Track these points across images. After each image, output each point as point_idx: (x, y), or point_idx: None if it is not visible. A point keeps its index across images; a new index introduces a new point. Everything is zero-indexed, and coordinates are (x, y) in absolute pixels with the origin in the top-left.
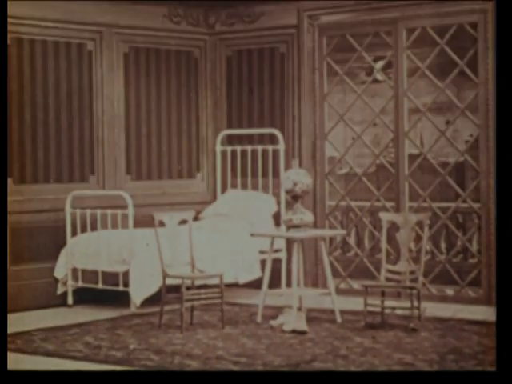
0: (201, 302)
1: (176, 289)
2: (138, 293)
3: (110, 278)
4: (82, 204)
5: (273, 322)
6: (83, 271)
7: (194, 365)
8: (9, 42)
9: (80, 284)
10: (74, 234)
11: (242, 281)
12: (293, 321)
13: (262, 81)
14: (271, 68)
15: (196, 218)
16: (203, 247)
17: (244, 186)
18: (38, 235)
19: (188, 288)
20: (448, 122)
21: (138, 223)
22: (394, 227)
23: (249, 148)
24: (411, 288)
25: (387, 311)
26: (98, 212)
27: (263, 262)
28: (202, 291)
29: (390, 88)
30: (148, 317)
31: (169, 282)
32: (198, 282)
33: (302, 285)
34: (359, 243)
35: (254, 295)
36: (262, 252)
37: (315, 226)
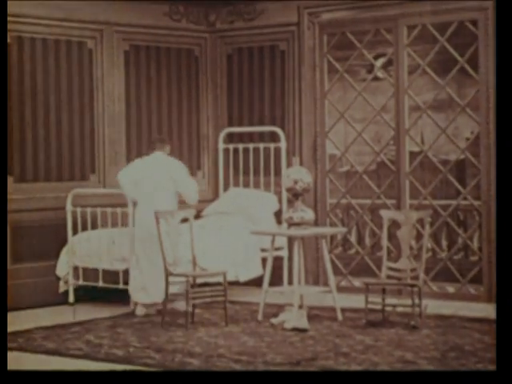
0: (205, 300)
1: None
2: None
3: (111, 276)
4: (83, 202)
5: (274, 320)
6: (84, 269)
7: (195, 363)
8: (9, 40)
9: (81, 282)
10: (74, 232)
11: (243, 279)
12: (294, 319)
13: (263, 78)
14: (271, 66)
15: (197, 216)
16: (205, 245)
17: (246, 184)
18: (39, 234)
19: (190, 286)
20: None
21: None
22: (394, 225)
23: (250, 146)
24: (412, 285)
25: (388, 309)
26: (99, 210)
27: (264, 260)
28: (207, 289)
29: (391, 85)
30: (149, 315)
31: (170, 279)
32: (199, 280)
33: (303, 283)
34: (360, 241)
35: (255, 293)
36: (263, 250)
37: (316, 223)
